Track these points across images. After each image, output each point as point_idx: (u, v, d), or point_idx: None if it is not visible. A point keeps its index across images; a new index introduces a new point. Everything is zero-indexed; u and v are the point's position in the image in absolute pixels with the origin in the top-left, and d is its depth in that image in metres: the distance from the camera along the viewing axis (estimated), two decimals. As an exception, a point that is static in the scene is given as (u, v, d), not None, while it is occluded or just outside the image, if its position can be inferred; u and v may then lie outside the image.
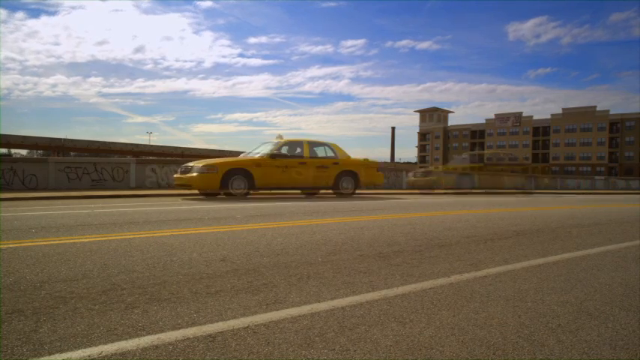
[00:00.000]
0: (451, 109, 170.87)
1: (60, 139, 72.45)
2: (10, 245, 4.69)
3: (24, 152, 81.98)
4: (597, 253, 5.05)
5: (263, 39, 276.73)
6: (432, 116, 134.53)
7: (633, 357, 2.28)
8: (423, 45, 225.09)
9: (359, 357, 2.18)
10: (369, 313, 2.79)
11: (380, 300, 3.06)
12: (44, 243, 4.85)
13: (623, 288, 3.57)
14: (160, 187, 16.51)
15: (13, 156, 41.06)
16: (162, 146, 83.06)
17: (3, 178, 13.87)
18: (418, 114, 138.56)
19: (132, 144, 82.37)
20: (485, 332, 2.52)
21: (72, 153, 68.75)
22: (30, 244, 4.78)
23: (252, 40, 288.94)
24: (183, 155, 75.93)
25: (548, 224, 7.85)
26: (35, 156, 66.56)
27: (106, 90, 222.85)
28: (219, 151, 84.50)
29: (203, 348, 2.22)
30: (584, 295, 3.32)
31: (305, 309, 2.83)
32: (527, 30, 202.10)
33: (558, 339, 2.46)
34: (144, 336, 2.35)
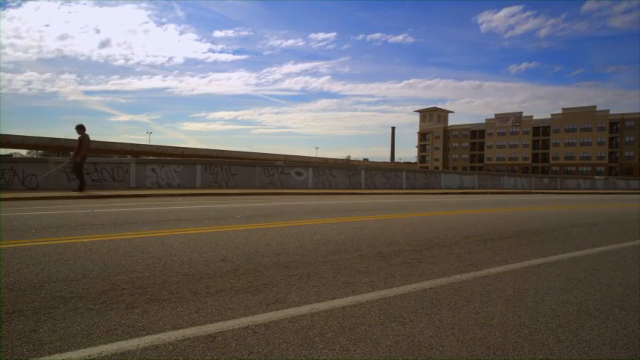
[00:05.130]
0: (451, 109, 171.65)
1: (60, 139, 72.43)
2: (10, 245, 4.68)
3: (24, 152, 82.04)
4: (597, 253, 5.05)
5: (230, 32, 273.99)
6: (432, 116, 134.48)
7: (633, 357, 2.28)
8: (397, 38, 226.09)
9: (359, 357, 2.18)
10: (369, 313, 2.79)
11: (380, 300, 3.06)
12: (44, 243, 4.85)
13: (623, 288, 3.57)
14: (160, 187, 16.48)
15: (13, 156, 41.05)
16: (161, 146, 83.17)
17: (3, 178, 13.85)
18: (411, 113, 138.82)
19: (132, 144, 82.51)
20: (485, 332, 2.52)
21: (72, 153, 68.78)
22: (30, 244, 4.78)
23: (218, 33, 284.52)
24: (183, 155, 75.98)
25: (548, 224, 7.86)
26: (35, 156, 66.59)
27: (83, 87, 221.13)
28: (219, 151, 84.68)
29: (203, 348, 2.22)
30: (584, 295, 3.32)
31: (305, 309, 2.83)
32: (501, 21, 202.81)
33: (558, 339, 2.46)
34: (144, 336, 2.35)
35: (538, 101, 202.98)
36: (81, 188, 13.27)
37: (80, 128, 13.58)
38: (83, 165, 13.60)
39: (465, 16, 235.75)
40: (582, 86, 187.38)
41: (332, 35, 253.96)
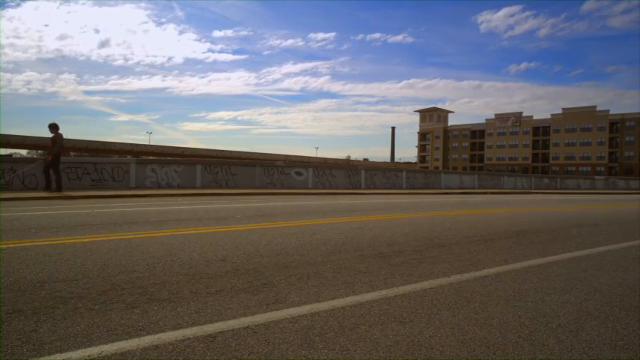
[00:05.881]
0: (451, 109, 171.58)
1: (60, 139, 72.20)
2: (10, 245, 4.68)
3: (24, 152, 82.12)
4: (597, 253, 5.05)
5: (229, 32, 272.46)
6: (432, 116, 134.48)
7: (633, 357, 2.28)
8: (397, 38, 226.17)
9: (359, 357, 2.18)
10: (369, 313, 2.79)
11: (380, 300, 3.06)
12: (44, 243, 4.85)
13: (623, 288, 3.57)
14: (160, 187, 16.48)
15: (13, 156, 41.03)
16: (161, 146, 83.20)
17: (3, 178, 13.85)
18: (411, 113, 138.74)
19: (132, 144, 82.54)
20: (486, 332, 2.52)
21: (72, 153, 68.79)
22: (30, 244, 4.78)
23: (218, 33, 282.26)
24: (183, 155, 75.96)
25: (548, 224, 7.85)
26: (35, 156, 66.52)
27: (82, 87, 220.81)
28: (219, 151, 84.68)
29: (203, 348, 2.22)
30: (584, 295, 3.32)
31: (305, 309, 2.83)
32: (500, 21, 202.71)
33: (558, 339, 2.46)
34: (144, 336, 2.35)
35: (538, 101, 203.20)
36: (48, 188, 12.77)
37: (53, 127, 13.07)
38: (58, 164, 13.05)
39: (464, 16, 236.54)
40: (582, 86, 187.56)
41: (331, 35, 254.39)
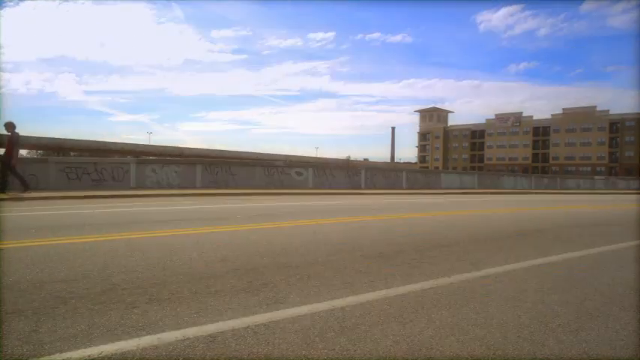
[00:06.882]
0: (451, 109, 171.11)
1: (60, 139, 72.32)
2: (10, 245, 4.68)
3: (24, 152, 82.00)
4: (597, 253, 5.05)
5: (229, 32, 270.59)
6: (432, 116, 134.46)
7: (633, 357, 2.28)
8: (396, 38, 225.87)
9: (359, 357, 2.18)
10: (369, 313, 2.78)
11: (380, 300, 3.06)
12: (44, 243, 4.85)
13: (623, 288, 3.57)
14: (160, 187, 16.48)
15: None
16: (162, 146, 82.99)
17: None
18: (411, 113, 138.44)
19: (132, 144, 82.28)
20: (485, 332, 2.52)
21: (72, 153, 68.71)
22: (30, 244, 4.78)
23: (217, 33, 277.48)
24: (183, 155, 75.88)
25: (548, 224, 7.86)
26: (35, 156, 66.46)
27: (82, 87, 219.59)
28: (219, 151, 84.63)
29: (203, 348, 2.22)
30: (584, 295, 3.32)
31: (305, 309, 2.82)
32: (500, 21, 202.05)
33: (558, 339, 2.46)
34: (144, 336, 2.35)
35: (538, 101, 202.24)
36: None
37: (9, 126, 11.93)
38: (9, 166, 12.01)
39: (464, 15, 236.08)
40: (582, 86, 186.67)
41: (331, 35, 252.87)
